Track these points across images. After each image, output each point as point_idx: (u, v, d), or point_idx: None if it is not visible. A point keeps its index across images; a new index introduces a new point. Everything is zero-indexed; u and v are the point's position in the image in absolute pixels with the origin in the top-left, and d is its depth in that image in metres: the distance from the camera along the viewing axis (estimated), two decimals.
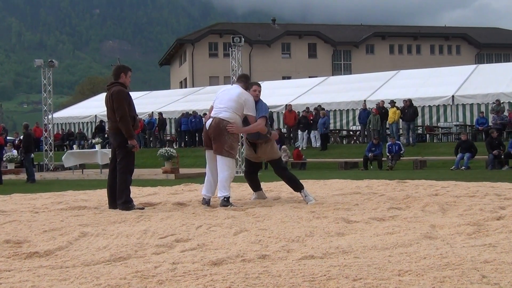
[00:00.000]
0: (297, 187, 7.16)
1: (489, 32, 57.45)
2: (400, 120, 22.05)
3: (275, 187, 9.64)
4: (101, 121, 29.90)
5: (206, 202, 6.91)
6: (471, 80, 24.71)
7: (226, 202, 6.61)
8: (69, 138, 29.34)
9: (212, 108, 7.09)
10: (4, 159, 18.21)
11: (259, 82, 7.56)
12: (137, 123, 7.14)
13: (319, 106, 24.38)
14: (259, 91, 7.12)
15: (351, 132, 25.45)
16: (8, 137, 26.02)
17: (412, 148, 20.98)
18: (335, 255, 3.62)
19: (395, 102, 22.26)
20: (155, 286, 2.91)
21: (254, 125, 6.89)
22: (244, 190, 9.16)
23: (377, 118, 22.07)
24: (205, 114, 15.71)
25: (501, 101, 21.54)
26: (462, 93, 23.31)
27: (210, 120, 6.84)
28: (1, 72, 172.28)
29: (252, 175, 7.49)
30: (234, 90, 6.99)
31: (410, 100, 21.89)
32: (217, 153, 6.76)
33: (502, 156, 17.03)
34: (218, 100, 6.97)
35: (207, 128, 6.85)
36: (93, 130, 29.50)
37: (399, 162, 18.58)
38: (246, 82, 7.16)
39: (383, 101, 22.88)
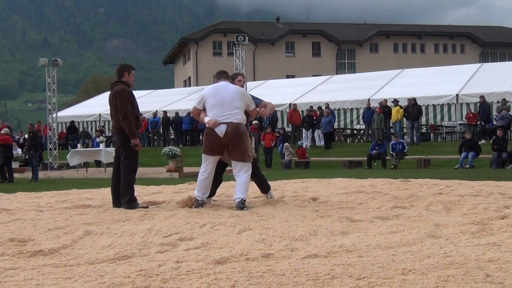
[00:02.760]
0: (265, 188, 7.40)
1: (494, 31, 57.27)
2: (404, 119, 22.04)
3: (279, 186, 9.65)
4: (72, 121, 29.87)
5: (200, 204, 6.58)
6: (475, 79, 24.65)
7: (243, 204, 6.47)
8: (73, 135, 29.36)
9: (197, 110, 6.65)
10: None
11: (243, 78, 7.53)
12: (140, 122, 7.14)
13: (327, 104, 24.28)
14: (244, 82, 7.36)
15: (355, 131, 25.43)
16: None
17: (416, 147, 20.95)
18: (339, 254, 3.62)
19: (398, 101, 22.24)
20: (159, 284, 2.91)
21: (271, 105, 7.32)
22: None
23: (381, 117, 22.05)
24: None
25: (506, 100, 21.46)
26: (466, 92, 23.26)
27: (224, 126, 6.41)
28: (5, 71, 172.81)
29: (217, 175, 6.92)
30: (231, 89, 6.59)
31: (414, 99, 21.84)
32: (240, 160, 6.54)
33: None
34: (217, 100, 6.50)
35: (222, 136, 6.41)
36: (66, 131, 29.47)
37: (403, 161, 18.57)
38: (229, 77, 6.99)
39: (386, 100, 22.86)
